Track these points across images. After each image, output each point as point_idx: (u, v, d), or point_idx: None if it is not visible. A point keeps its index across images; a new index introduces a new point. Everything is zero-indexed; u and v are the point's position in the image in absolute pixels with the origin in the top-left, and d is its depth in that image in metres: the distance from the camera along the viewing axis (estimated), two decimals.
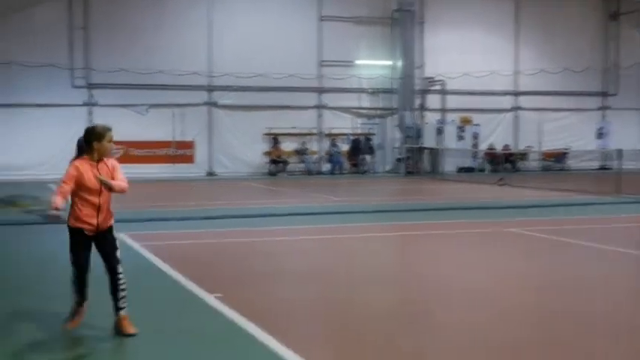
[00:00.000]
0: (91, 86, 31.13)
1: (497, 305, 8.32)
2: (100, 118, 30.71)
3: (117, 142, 27.12)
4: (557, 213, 17.77)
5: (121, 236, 13.12)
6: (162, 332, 7.13)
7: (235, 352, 6.44)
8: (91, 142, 7.00)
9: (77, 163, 6.97)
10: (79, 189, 6.91)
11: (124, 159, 31.54)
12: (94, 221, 6.95)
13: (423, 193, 25.20)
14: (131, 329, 6.90)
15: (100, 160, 7.04)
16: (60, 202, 6.71)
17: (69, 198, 6.92)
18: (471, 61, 35.18)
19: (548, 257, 11.72)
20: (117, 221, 14.44)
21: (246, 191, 25.53)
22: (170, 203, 20.53)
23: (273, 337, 6.71)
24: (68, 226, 7.00)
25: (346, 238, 13.89)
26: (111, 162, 7.17)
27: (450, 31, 35.57)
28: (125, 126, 31.00)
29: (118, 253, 7.10)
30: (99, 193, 6.96)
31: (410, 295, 8.97)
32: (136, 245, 12.32)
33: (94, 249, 7.05)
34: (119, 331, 6.91)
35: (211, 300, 8.22)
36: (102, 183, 6.87)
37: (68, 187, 6.87)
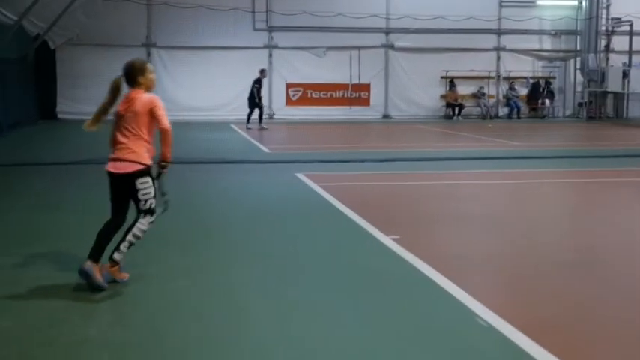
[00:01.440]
0: (271, 29, 31.73)
1: None
2: (279, 61, 31.47)
3: (295, 84, 27.63)
4: None
5: (299, 176, 13.58)
6: (341, 270, 7.29)
7: (413, 293, 6.51)
8: (135, 77, 6.72)
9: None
10: (151, 123, 6.68)
11: (302, 101, 32.25)
12: None
13: (605, 139, 24.25)
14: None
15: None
16: None
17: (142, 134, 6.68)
18: None
19: None
20: (295, 162, 14.75)
21: (422, 134, 25.47)
22: (346, 145, 20.79)
23: (450, 280, 6.74)
24: (147, 168, 6.63)
25: (524, 184, 13.65)
26: None
27: None
28: (303, 68, 31.68)
29: None
30: None
31: (587, 243, 8.73)
32: (313, 185, 12.62)
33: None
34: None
35: (388, 241, 8.33)
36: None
37: None
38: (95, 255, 6.52)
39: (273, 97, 31.53)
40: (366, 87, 32.77)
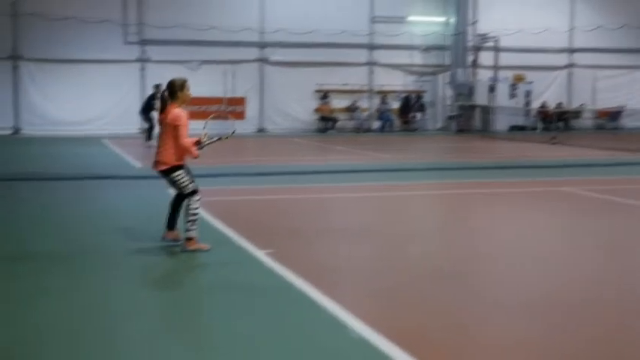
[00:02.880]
0: (143, 42, 31.28)
1: (547, 265, 8.29)
2: (152, 74, 30.95)
3: None
4: (611, 172, 17.52)
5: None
6: (213, 287, 7.24)
7: (286, 308, 6.52)
8: (176, 92, 8.45)
9: (182, 111, 8.47)
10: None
11: None
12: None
13: (473, 152, 25.03)
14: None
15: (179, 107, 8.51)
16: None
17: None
18: (525, 17, 34.51)
19: (600, 217, 11.59)
20: None
21: (297, 148, 25.60)
22: (221, 159, 20.66)
23: (323, 293, 6.78)
24: (174, 167, 8.49)
25: (396, 196, 13.89)
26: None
27: None
28: None
29: None
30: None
31: (459, 254, 8.97)
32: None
33: None
34: (175, 240, 8.80)
35: (262, 256, 8.31)
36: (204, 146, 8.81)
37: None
38: (169, 225, 8.85)
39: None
40: (241, 101, 32.70)
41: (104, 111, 29.45)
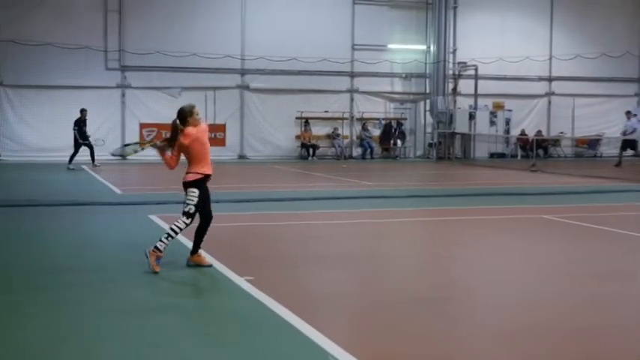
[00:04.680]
0: (124, 68, 31.29)
1: (526, 292, 8.30)
2: (133, 101, 30.98)
3: (149, 125, 27.11)
4: (590, 200, 17.62)
5: (153, 218, 13.35)
6: (193, 314, 7.19)
7: (265, 335, 6.47)
8: (186, 119, 9.01)
9: (192, 128, 9.00)
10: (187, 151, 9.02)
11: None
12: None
13: (454, 179, 25.10)
14: (207, 261, 9.10)
15: None
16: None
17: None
18: (504, 45, 34.90)
19: (579, 244, 11.64)
20: (147, 203, 14.56)
21: (278, 175, 25.58)
22: None
23: (304, 320, 6.74)
24: (188, 180, 8.95)
25: (378, 223, 13.88)
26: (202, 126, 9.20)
27: (483, 16, 35.33)
28: (157, 108, 31.26)
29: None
30: None
31: (440, 281, 8.96)
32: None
33: None
34: (199, 265, 9.02)
35: (242, 282, 8.27)
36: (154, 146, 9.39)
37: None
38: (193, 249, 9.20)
39: (126, 137, 30.97)
40: (222, 127, 32.69)
41: None
